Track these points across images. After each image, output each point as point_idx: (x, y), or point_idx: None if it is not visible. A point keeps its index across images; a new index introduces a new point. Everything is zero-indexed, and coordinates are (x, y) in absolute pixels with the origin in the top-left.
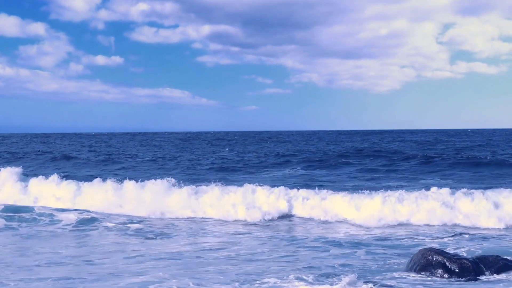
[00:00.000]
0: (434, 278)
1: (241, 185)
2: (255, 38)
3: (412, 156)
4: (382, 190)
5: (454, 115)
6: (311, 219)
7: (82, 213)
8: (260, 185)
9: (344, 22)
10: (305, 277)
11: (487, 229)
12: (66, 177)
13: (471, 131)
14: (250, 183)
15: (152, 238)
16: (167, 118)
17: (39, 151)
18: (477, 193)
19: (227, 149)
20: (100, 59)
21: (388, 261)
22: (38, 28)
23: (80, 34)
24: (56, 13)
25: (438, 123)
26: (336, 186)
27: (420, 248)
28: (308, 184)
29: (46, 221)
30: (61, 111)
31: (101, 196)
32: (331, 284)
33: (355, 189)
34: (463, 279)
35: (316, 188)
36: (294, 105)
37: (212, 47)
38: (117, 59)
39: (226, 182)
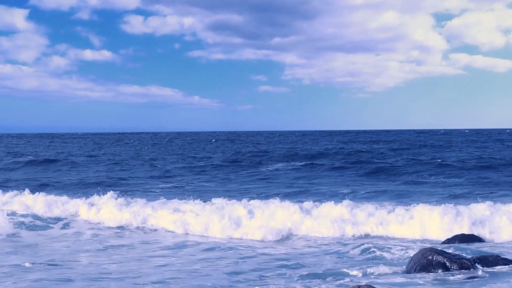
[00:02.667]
0: (434, 278)
1: None
2: (253, 30)
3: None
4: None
5: (458, 114)
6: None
7: None
8: None
9: (343, 14)
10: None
11: None
12: None
13: (471, 130)
14: None
15: None
16: (162, 118)
17: None
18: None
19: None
20: (87, 54)
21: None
22: (15, 16)
23: (64, 25)
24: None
25: (440, 123)
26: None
27: None
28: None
29: None
30: (44, 110)
31: None
32: None
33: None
34: (463, 278)
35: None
36: (294, 104)
37: (210, 40)
38: (106, 54)
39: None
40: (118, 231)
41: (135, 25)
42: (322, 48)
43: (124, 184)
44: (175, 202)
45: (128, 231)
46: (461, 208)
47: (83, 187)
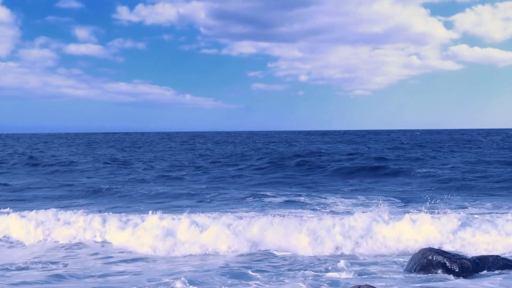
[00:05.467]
0: (435, 278)
1: None
2: (251, 18)
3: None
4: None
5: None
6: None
7: None
8: None
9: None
10: None
11: None
12: None
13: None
14: None
15: None
16: (154, 117)
17: None
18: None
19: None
20: (72, 48)
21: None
22: None
23: (45, 13)
24: None
25: (441, 123)
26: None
27: None
28: None
29: None
30: (27, 109)
31: None
32: None
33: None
34: (463, 279)
35: None
36: (294, 103)
37: (207, 31)
38: (94, 48)
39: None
40: None
41: (124, 15)
42: (320, 41)
43: None
44: None
45: None
46: None
47: None
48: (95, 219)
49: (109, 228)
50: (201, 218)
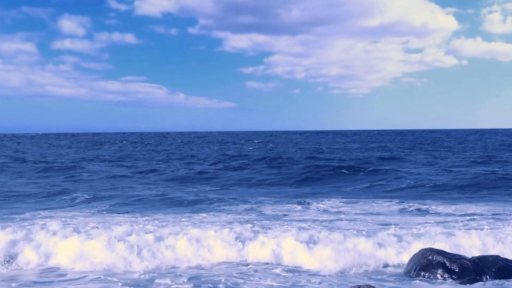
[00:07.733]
0: (435, 278)
1: None
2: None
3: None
4: None
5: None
6: None
7: None
8: None
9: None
10: None
11: None
12: None
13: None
14: None
15: None
16: (148, 117)
17: None
18: None
19: None
20: (57, 43)
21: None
22: None
23: (28, 3)
24: None
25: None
26: None
27: None
28: None
29: None
30: (10, 108)
31: None
32: None
33: None
34: (463, 279)
35: None
36: (294, 102)
37: (204, 21)
38: (81, 43)
39: None
40: None
41: (113, 5)
42: (317, 34)
43: None
44: None
45: None
46: None
47: None
48: None
49: None
50: None
